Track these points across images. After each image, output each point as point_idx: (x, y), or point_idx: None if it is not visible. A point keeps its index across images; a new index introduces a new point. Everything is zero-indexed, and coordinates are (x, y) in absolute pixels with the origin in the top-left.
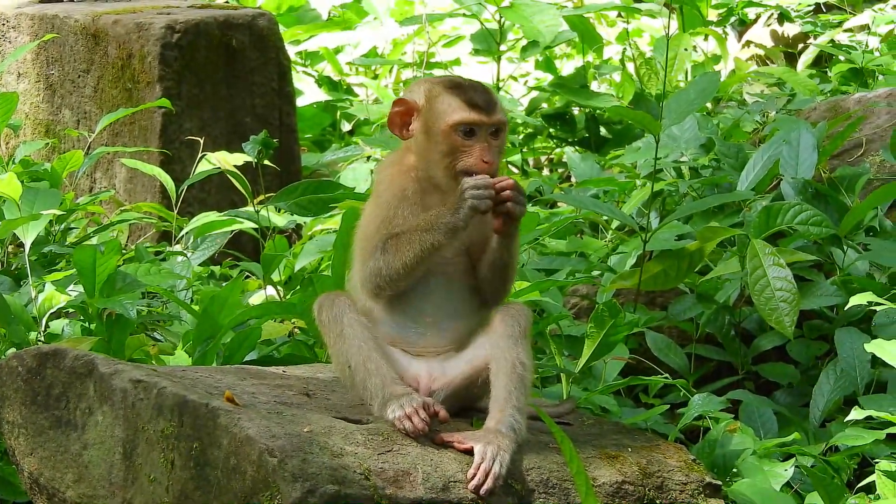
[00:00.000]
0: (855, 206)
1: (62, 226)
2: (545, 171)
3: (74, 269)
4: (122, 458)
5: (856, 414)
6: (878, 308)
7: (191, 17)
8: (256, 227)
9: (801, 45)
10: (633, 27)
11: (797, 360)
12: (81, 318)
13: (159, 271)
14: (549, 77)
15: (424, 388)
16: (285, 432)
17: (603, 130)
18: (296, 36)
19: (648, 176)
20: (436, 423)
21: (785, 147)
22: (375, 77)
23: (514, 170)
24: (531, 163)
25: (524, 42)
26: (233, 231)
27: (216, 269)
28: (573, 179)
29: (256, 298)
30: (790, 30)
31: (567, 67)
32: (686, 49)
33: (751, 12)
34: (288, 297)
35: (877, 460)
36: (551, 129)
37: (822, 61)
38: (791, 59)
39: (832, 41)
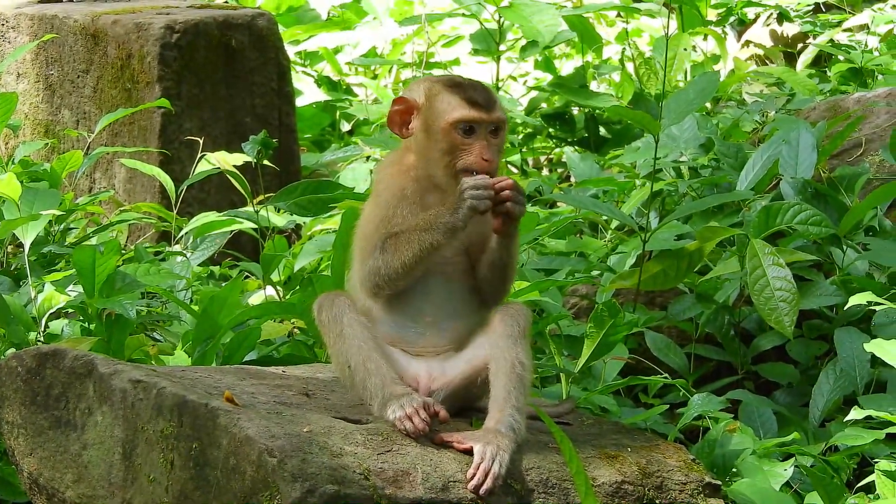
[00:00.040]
0: (854, 205)
1: (62, 226)
2: (544, 171)
3: (74, 270)
4: (121, 459)
5: (855, 414)
6: (877, 308)
7: (190, 18)
8: (256, 227)
9: (800, 45)
10: (633, 27)
11: (797, 359)
12: (81, 318)
13: (159, 271)
14: (548, 77)
15: (424, 388)
16: (285, 432)
17: (602, 130)
18: (295, 36)
19: (648, 176)
20: (436, 423)
21: (784, 147)
22: (375, 77)
23: (514, 170)
24: (530, 163)
25: (523, 42)
26: (232, 231)
27: (216, 269)
28: (572, 179)
29: (256, 298)
30: (789, 29)
31: (566, 67)
32: (685, 49)
33: (750, 12)
34: (287, 297)
35: (876, 460)
36: (551, 129)
37: (821, 61)
38: (790, 59)
39: (831, 41)
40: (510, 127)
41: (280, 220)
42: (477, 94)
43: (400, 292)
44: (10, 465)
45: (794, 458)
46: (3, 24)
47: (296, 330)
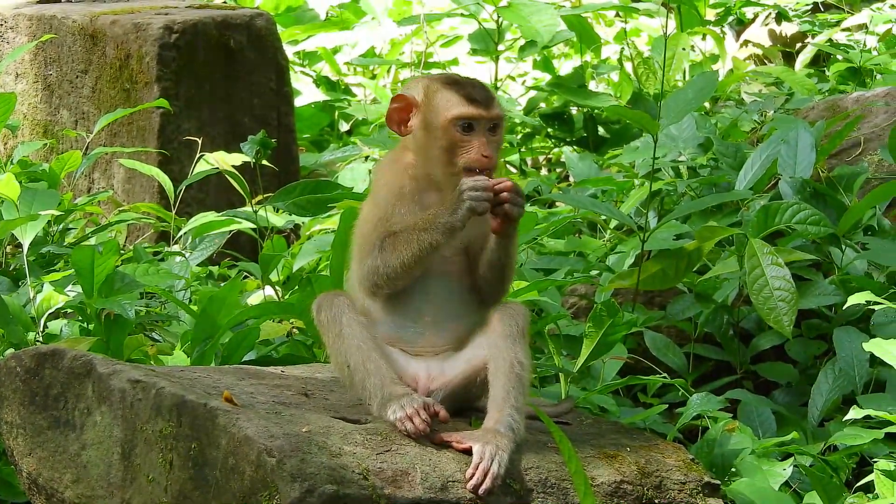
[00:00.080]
0: (853, 205)
1: (60, 226)
2: (543, 171)
3: (73, 270)
4: (120, 459)
5: (854, 413)
6: (876, 307)
7: (189, 18)
8: (255, 227)
9: (798, 45)
10: (631, 27)
11: (796, 359)
12: (80, 318)
13: (157, 271)
14: (547, 77)
15: (423, 388)
16: (284, 432)
17: (601, 130)
18: (294, 36)
19: (647, 175)
20: (435, 422)
21: (783, 146)
22: (373, 77)
23: (513, 169)
24: (529, 162)
25: (522, 42)
26: (231, 231)
27: (214, 269)
28: (571, 179)
29: (255, 298)
30: (788, 29)
31: (565, 67)
32: (684, 48)
33: (749, 12)
34: (286, 297)
35: (875, 459)
36: (549, 129)
37: (820, 60)
38: (789, 59)
39: (830, 40)
40: (508, 127)
41: (279, 220)
42: (475, 92)
43: (399, 292)
44: (9, 465)
45: (793, 458)
46: (1, 25)
47: (295, 330)
